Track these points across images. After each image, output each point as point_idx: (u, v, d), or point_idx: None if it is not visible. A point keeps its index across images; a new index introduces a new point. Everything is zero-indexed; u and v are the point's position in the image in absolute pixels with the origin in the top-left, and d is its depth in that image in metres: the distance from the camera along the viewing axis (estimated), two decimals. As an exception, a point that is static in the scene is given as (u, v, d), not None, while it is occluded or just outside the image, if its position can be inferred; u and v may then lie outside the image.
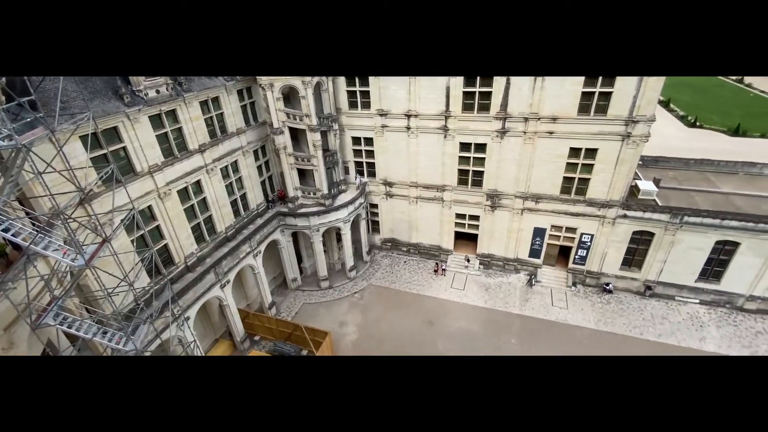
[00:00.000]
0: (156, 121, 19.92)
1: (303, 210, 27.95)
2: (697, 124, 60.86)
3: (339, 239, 31.49)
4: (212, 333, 25.94)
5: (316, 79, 25.23)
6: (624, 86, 22.41)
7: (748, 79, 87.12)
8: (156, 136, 19.87)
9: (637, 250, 27.17)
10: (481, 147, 27.18)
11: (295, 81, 24.30)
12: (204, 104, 22.74)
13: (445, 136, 27.49)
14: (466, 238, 32.09)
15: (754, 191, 27.73)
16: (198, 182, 22.83)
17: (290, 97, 26.34)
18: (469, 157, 27.89)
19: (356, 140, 30.30)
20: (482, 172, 28.05)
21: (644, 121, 22.87)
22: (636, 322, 25.98)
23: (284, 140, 26.37)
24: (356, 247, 32.54)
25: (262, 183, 28.50)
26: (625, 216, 26.01)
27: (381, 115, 28.32)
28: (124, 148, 18.46)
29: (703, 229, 24.58)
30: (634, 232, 26.49)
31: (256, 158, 27.58)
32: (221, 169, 24.34)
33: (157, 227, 20.62)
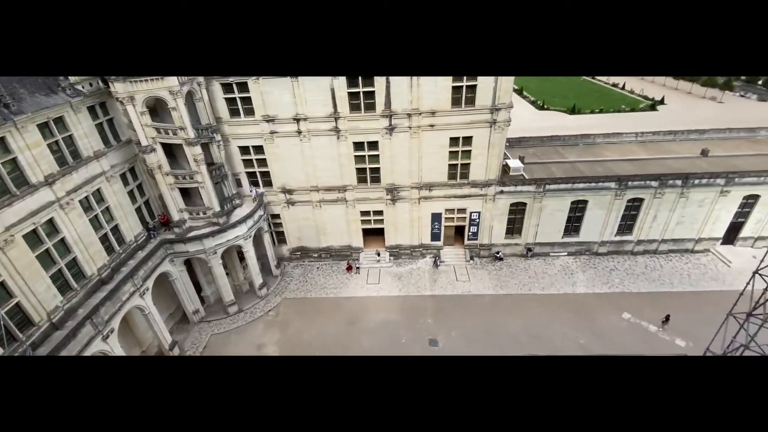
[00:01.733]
0: (-25, 153, 15.86)
1: (193, 233, 25.29)
2: (545, 106, 72.53)
3: (242, 258, 29.38)
4: (101, 394, 21.90)
5: (186, 87, 22.95)
6: (485, 79, 25.42)
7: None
8: (-22, 172, 15.84)
9: (515, 220, 31.35)
10: (373, 144, 28.08)
11: (162, 92, 21.73)
12: (44, 127, 18.90)
13: (338, 138, 27.66)
14: (374, 234, 32.95)
15: (591, 158, 34.25)
16: (51, 221, 18.92)
17: (158, 109, 23.50)
18: (364, 156, 28.59)
19: (244, 149, 28.51)
20: (378, 168, 29.05)
21: (505, 108, 26.36)
22: (524, 281, 30.03)
23: (158, 158, 23.43)
24: (263, 262, 30.79)
25: (138, 210, 24.94)
26: (502, 192, 29.75)
27: (268, 121, 27.13)
28: (-70, 193, 14.29)
29: (561, 194, 29.54)
30: (511, 204, 30.50)
31: (126, 183, 23.98)
32: (80, 201, 20.59)
33: (2, 284, 16.52)
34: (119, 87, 21.08)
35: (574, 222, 31.15)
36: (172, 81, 21.54)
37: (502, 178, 29.69)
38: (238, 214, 27.15)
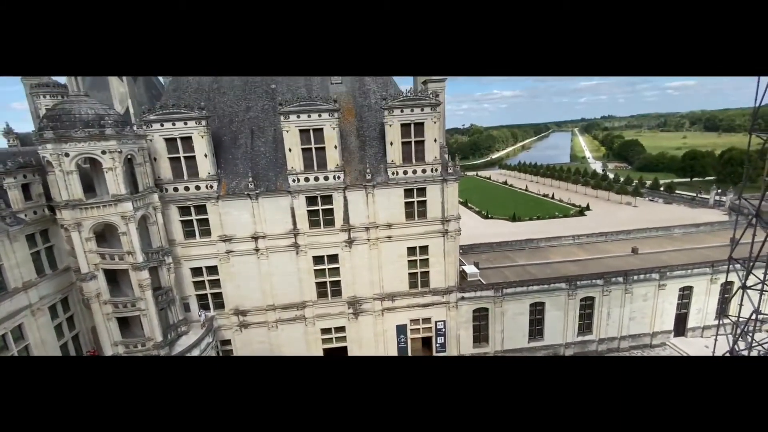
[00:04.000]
0: None
1: (129, 369, 22.01)
2: (489, 216, 79.22)
3: (183, 395, 25.42)
4: None
5: (140, 212, 22.71)
6: (433, 195, 27.87)
7: (510, 181, 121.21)
8: None
9: (480, 326, 31.01)
10: (333, 258, 28.20)
11: (113, 217, 21.23)
12: (-33, 258, 17.23)
13: (297, 253, 27.59)
14: (336, 353, 30.56)
15: (538, 260, 36.49)
16: (-54, 369, 15.78)
17: (106, 234, 22.62)
18: (325, 269, 28.35)
19: (197, 271, 27.25)
20: (339, 281, 28.64)
21: (454, 219, 28.44)
22: (499, 394, 28.21)
23: (97, 286, 21.55)
24: (208, 398, 26.71)
25: (64, 346, 21.80)
26: (463, 298, 29.99)
27: (224, 240, 26.82)
28: None
29: (519, 297, 30.30)
30: (474, 310, 30.51)
31: (55, 315, 21.41)
32: (-7, 341, 17.77)
33: None
34: (67, 214, 20.36)
35: (536, 325, 31.35)
36: (126, 206, 21.33)
37: (461, 284, 30.26)
38: (183, 343, 24.49)
